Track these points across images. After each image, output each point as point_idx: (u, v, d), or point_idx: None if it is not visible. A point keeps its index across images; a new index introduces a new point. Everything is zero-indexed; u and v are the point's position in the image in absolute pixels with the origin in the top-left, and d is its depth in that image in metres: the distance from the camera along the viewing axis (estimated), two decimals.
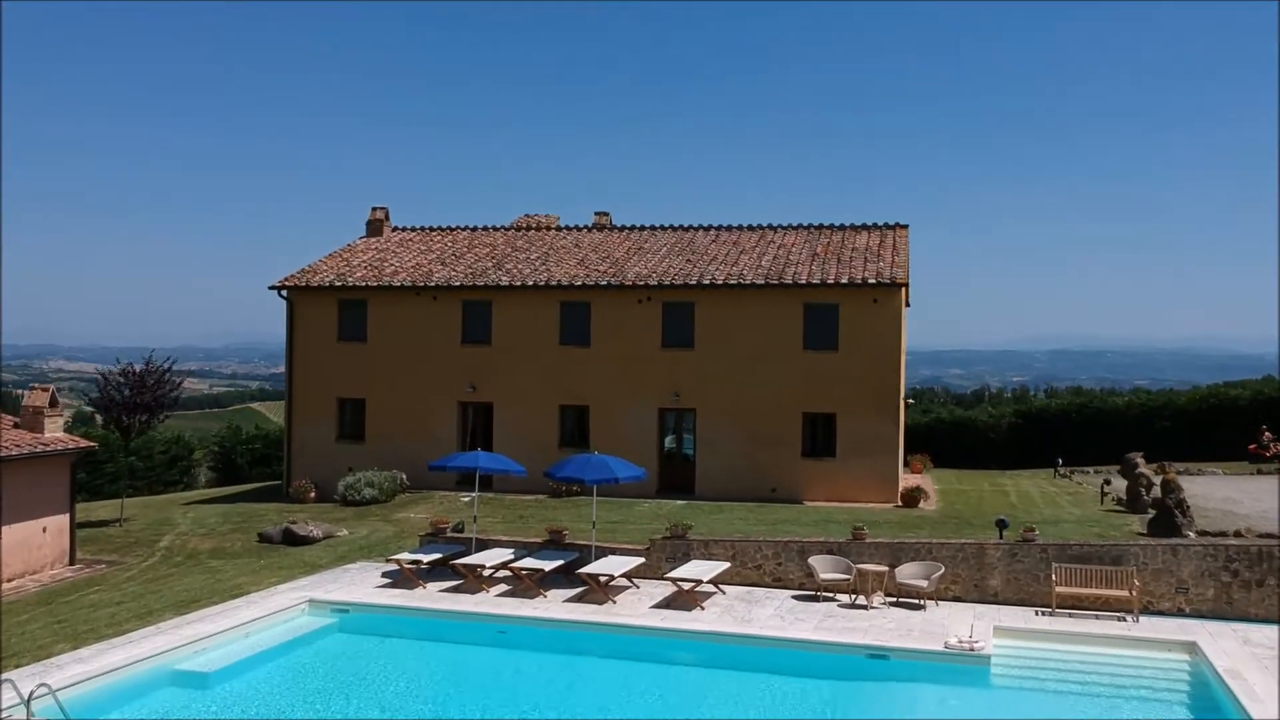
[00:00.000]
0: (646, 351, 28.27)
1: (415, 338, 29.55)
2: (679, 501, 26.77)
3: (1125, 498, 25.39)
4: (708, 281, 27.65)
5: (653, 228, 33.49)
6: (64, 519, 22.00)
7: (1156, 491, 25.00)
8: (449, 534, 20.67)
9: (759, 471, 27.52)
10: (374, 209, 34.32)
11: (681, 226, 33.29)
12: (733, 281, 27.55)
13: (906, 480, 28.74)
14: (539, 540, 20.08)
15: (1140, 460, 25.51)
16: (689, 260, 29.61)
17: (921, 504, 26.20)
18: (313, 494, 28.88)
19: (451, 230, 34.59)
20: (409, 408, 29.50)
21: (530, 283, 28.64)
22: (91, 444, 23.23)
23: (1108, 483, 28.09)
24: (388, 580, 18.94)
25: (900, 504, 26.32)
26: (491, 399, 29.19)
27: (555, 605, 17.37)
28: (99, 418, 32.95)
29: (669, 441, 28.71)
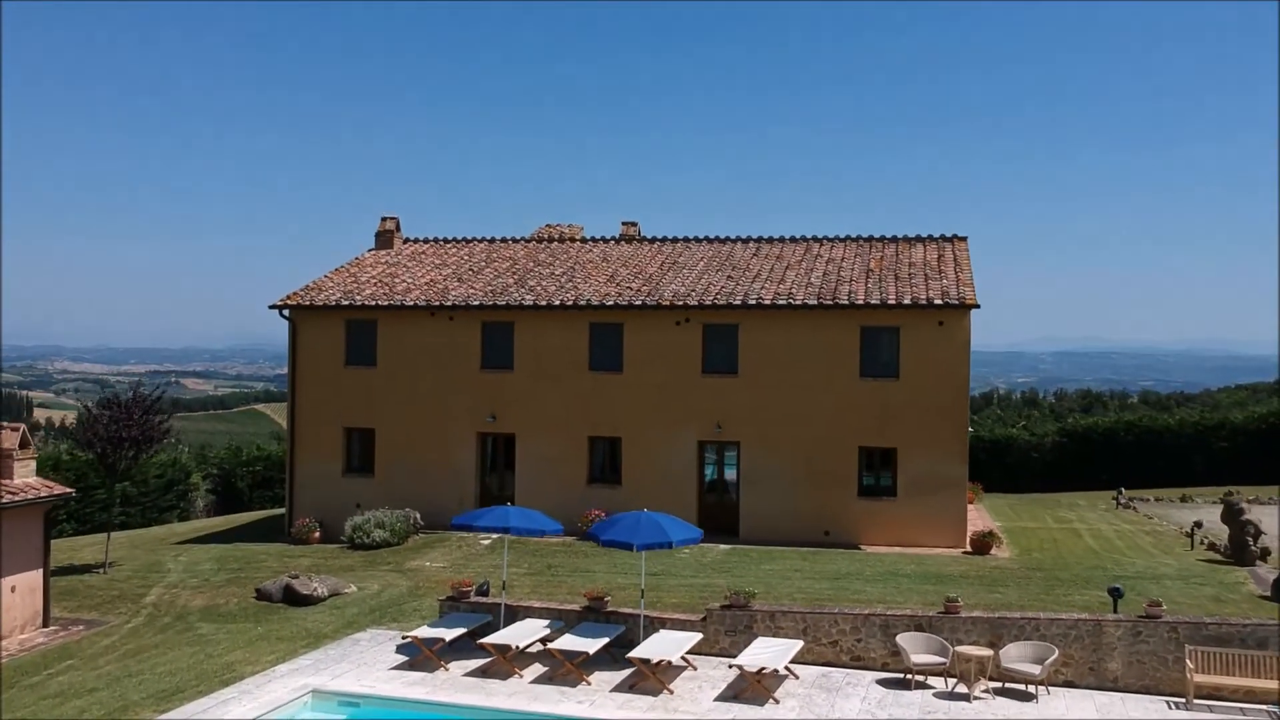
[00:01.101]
0: (685, 378, 25.63)
1: (430, 362, 26.94)
2: (723, 547, 24.17)
3: (1228, 547, 22.69)
4: (753, 301, 25.00)
5: (686, 240, 30.84)
6: (36, 575, 19.39)
7: (1267, 541, 22.36)
8: (473, 598, 18.04)
9: (811, 512, 24.89)
10: (384, 219, 31.72)
11: (718, 239, 30.64)
12: (781, 301, 24.90)
13: (973, 520, 26.03)
14: (576, 608, 17.44)
15: (1246, 504, 22.82)
16: (730, 277, 26.95)
17: (994, 550, 23.53)
18: (317, 534, 26.31)
19: (468, 242, 31.96)
20: (423, 439, 26.90)
21: (556, 302, 26.00)
22: (68, 490, 20.63)
23: (1198, 525, 25.42)
24: (404, 658, 16.31)
25: (970, 550, 23.66)
26: (514, 429, 26.56)
27: (602, 695, 14.73)
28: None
29: (710, 477, 26.04)
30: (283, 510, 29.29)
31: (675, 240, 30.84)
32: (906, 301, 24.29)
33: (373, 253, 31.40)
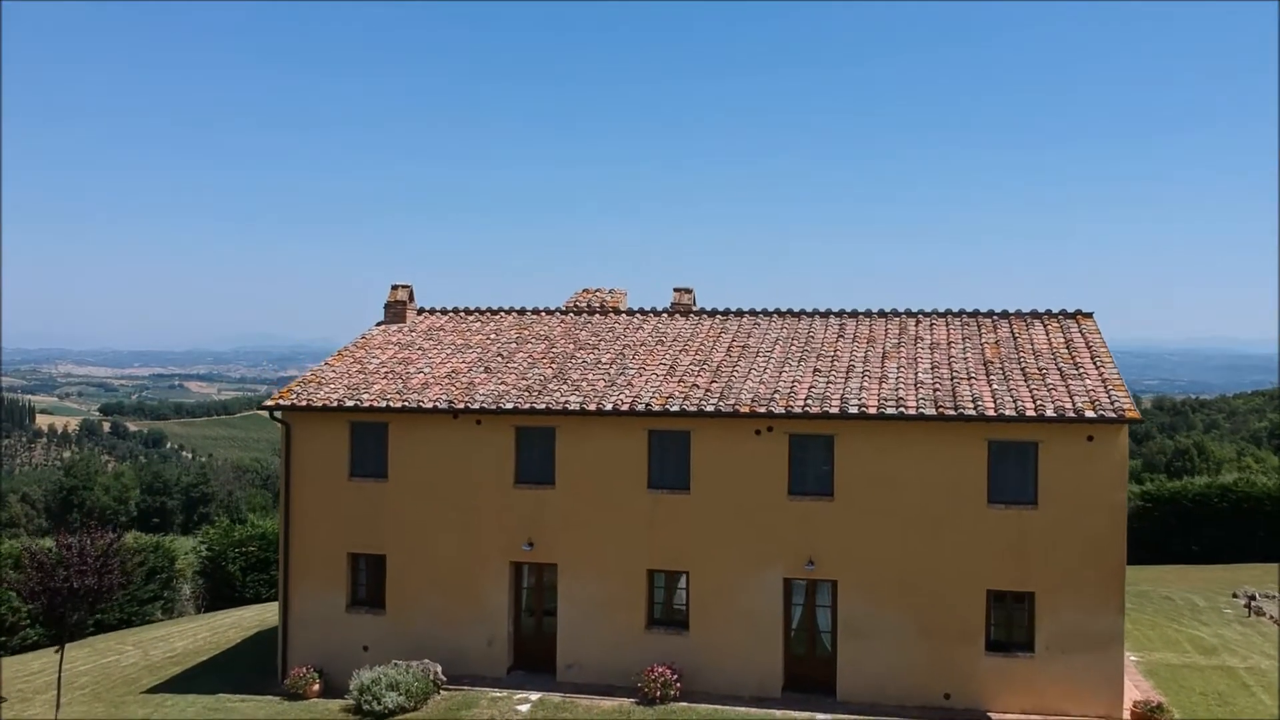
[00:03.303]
0: (768, 500, 20.84)
1: (453, 475, 22.16)
2: (821, 717, 19.42)
3: None
4: (855, 410, 20.17)
5: (752, 312, 26.03)
6: None
7: None
8: None
9: (926, 670, 20.09)
10: (394, 288, 26.90)
11: (791, 312, 25.82)
12: (890, 410, 20.07)
13: (1131, 682, 21.13)
14: None
15: None
16: (816, 370, 22.12)
17: None
18: (317, 686, 21.58)
19: (493, 314, 27.13)
20: (444, 569, 22.12)
21: (609, 406, 21.19)
22: None
23: None
24: None
25: None
26: (556, 559, 21.77)
27: None
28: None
29: (799, 624, 21.22)
30: (279, 600, 24.43)
31: (739, 314, 26.01)
32: (1050, 413, 19.46)
33: (382, 328, 26.58)
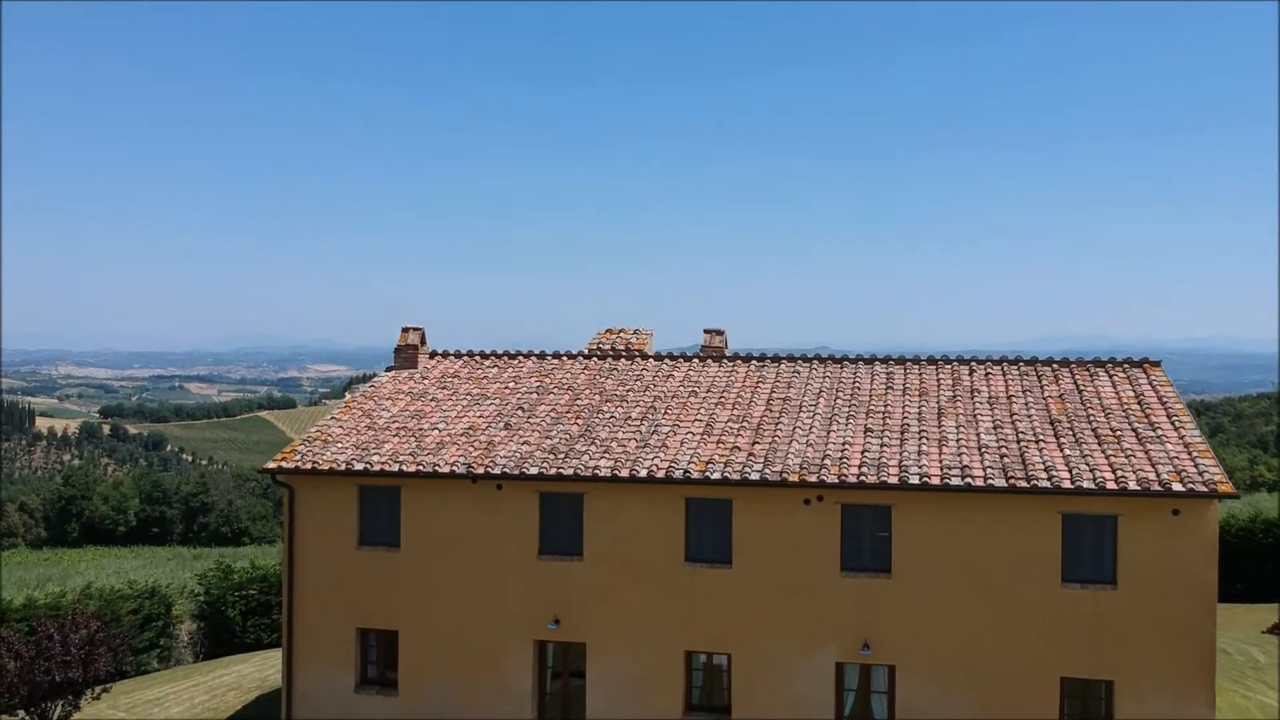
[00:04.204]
0: (819, 576, 19.01)
1: (471, 544, 20.33)
2: None
3: None
4: (917, 480, 18.33)
5: (790, 358, 24.20)
6: None
7: None
8: None
9: None
10: (405, 330, 25.08)
11: (833, 358, 24.00)
12: (956, 480, 18.23)
13: None
14: None
15: None
16: (868, 430, 20.26)
17: None
18: None
19: (511, 359, 25.29)
20: (462, 647, 20.29)
21: (643, 472, 19.35)
22: None
23: None
24: None
25: None
26: (584, 638, 19.94)
27: None
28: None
29: (851, 712, 19.35)
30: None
31: (775, 360, 24.17)
32: (1133, 486, 17.63)
33: (392, 374, 24.75)
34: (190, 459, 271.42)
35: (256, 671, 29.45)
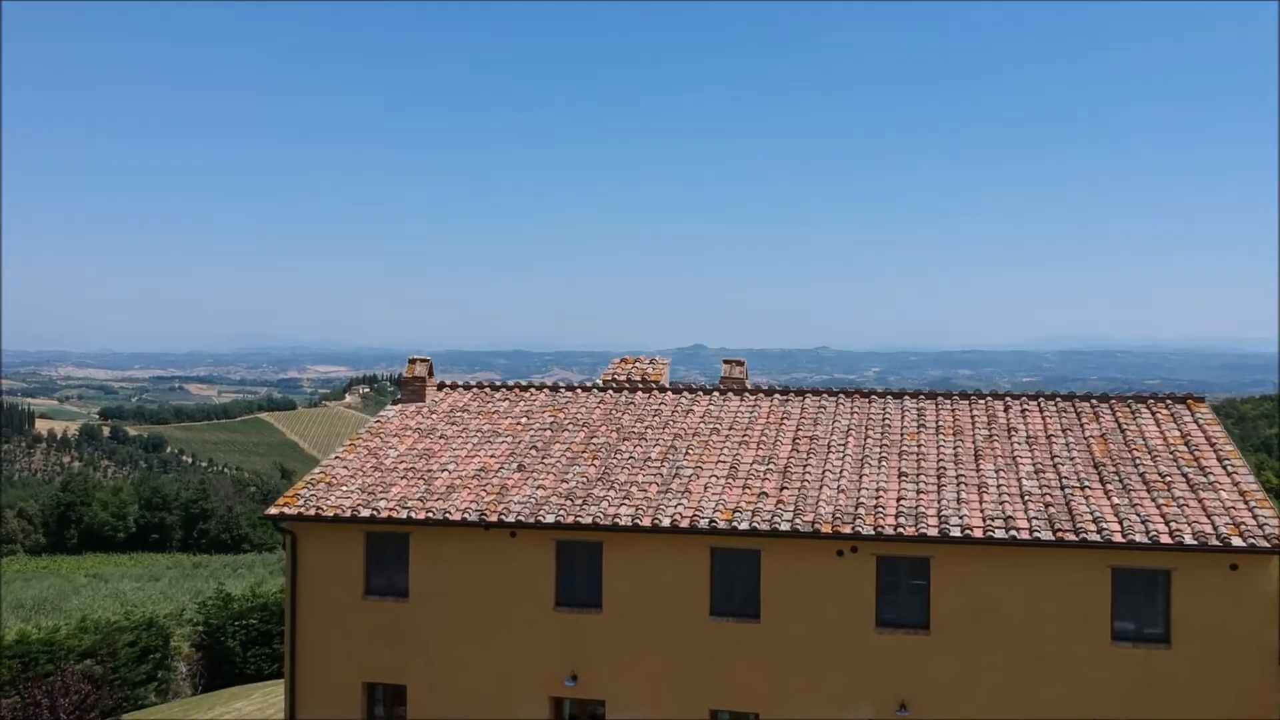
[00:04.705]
0: (852, 631, 17.97)
1: (484, 594, 19.28)
2: None
3: None
4: (958, 532, 17.28)
5: (814, 392, 23.16)
6: None
7: None
8: None
9: None
10: (412, 361, 24.04)
11: (859, 392, 22.95)
12: (1000, 532, 17.18)
13: None
14: None
15: None
16: (903, 474, 19.21)
17: None
18: None
19: (523, 391, 24.24)
20: (474, 703, 19.22)
21: (666, 521, 18.30)
22: None
23: None
24: None
25: None
26: (603, 695, 18.87)
27: None
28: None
29: None
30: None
31: (800, 393, 23.13)
32: (1189, 540, 16.59)
33: (399, 408, 23.70)
34: (190, 461, 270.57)
35: (258, 711, 28.44)
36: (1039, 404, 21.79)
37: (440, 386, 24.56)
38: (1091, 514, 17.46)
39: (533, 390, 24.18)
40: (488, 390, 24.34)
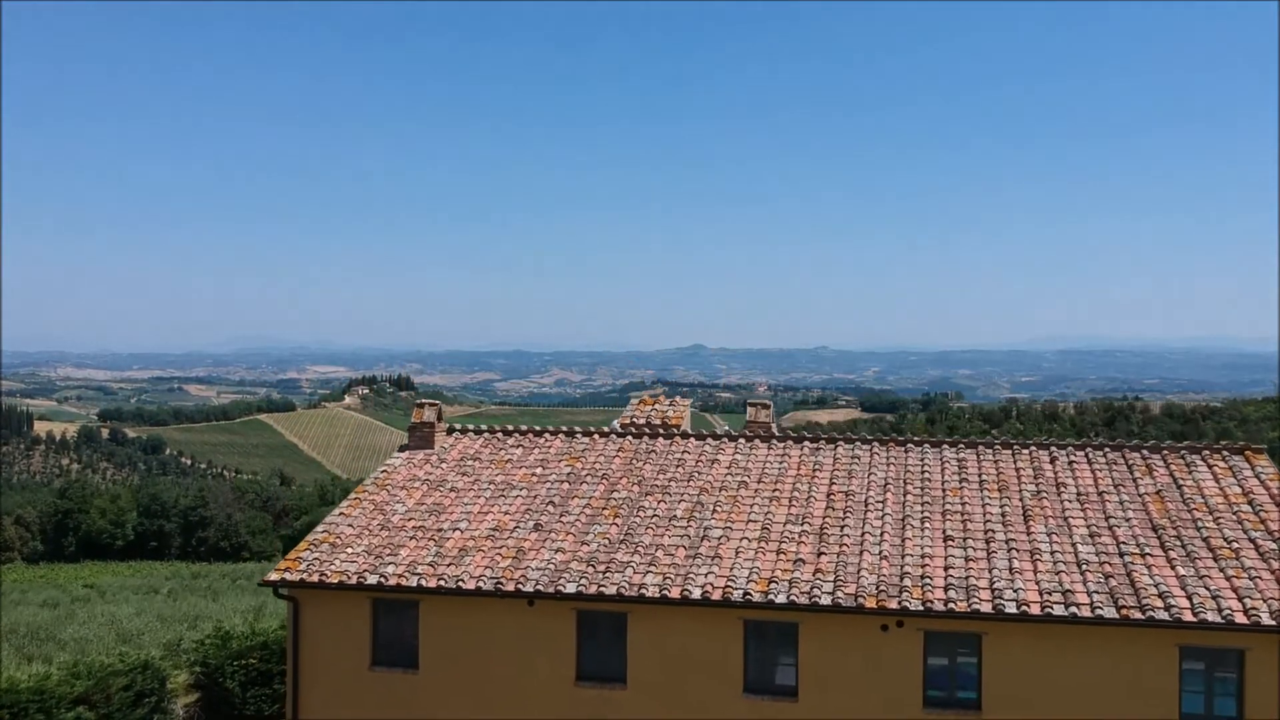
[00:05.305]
0: (898, 713, 16.69)
1: (499, 667, 18.00)
2: None
3: None
4: (1014, 608, 16.01)
5: (846, 439, 21.89)
6: None
7: None
8: None
9: None
10: (419, 405, 22.76)
11: (894, 438, 21.68)
12: (1059, 610, 15.91)
13: None
14: None
15: None
16: (948, 536, 17.92)
17: None
18: None
19: (537, 436, 22.98)
20: None
21: (696, 592, 17.03)
22: None
23: None
24: None
25: None
26: None
27: None
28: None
29: None
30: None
31: (831, 441, 21.86)
32: (1267, 620, 15.32)
33: (406, 456, 22.41)
34: (189, 463, 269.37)
35: None
36: (1087, 455, 20.53)
37: (450, 431, 23.28)
38: (1156, 587, 16.20)
39: (547, 436, 22.90)
40: (500, 436, 23.06)
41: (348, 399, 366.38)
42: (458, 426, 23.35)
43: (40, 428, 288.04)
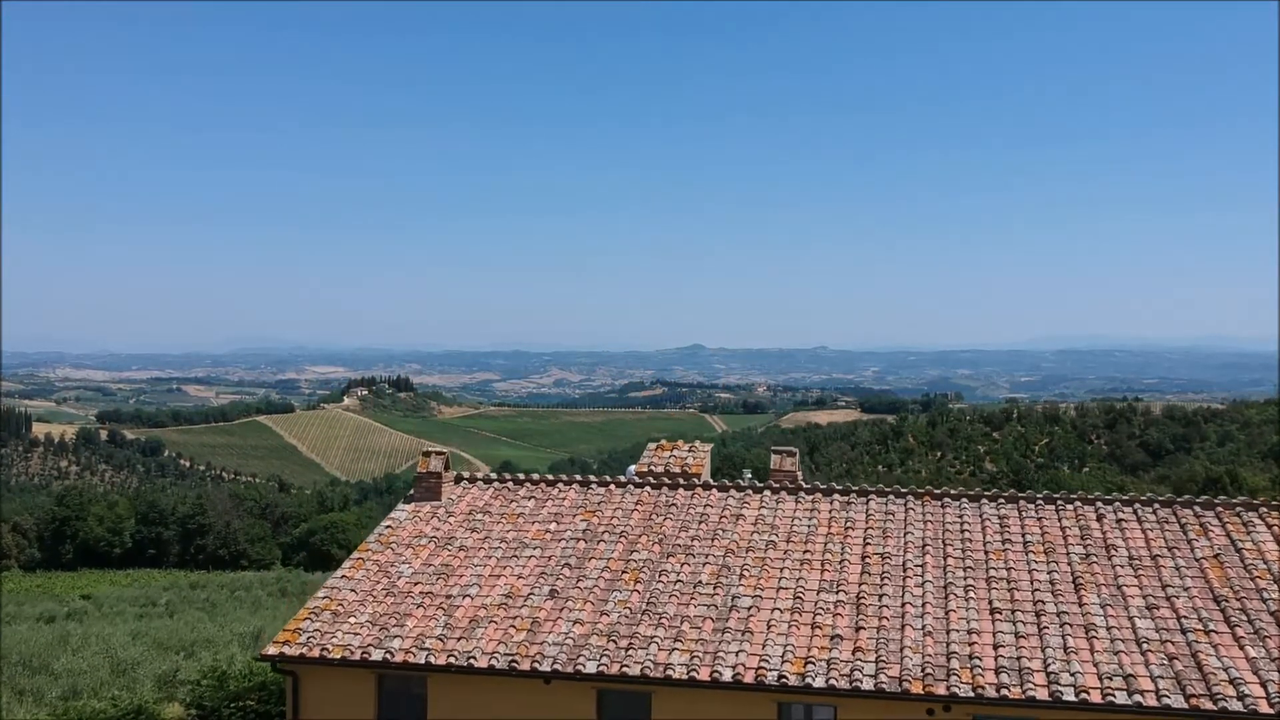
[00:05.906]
0: None
1: None
2: None
3: None
4: (1071, 694, 14.80)
5: (879, 492, 20.68)
6: None
7: None
8: None
9: None
10: (425, 455, 21.53)
11: (929, 492, 20.47)
12: (1120, 697, 14.71)
13: None
14: None
15: None
16: (995, 609, 16.71)
17: None
18: None
19: (550, 486, 21.75)
20: None
21: (727, 674, 15.81)
22: None
23: None
24: None
25: None
26: None
27: None
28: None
29: None
30: None
31: (862, 493, 20.64)
32: None
33: (413, 509, 21.17)
34: (188, 465, 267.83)
35: None
36: (1135, 511, 19.31)
37: (458, 480, 22.05)
38: (1225, 670, 15.00)
39: (560, 485, 21.67)
40: (510, 486, 21.82)
41: (347, 400, 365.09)
42: (465, 475, 22.14)
43: (39, 429, 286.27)
